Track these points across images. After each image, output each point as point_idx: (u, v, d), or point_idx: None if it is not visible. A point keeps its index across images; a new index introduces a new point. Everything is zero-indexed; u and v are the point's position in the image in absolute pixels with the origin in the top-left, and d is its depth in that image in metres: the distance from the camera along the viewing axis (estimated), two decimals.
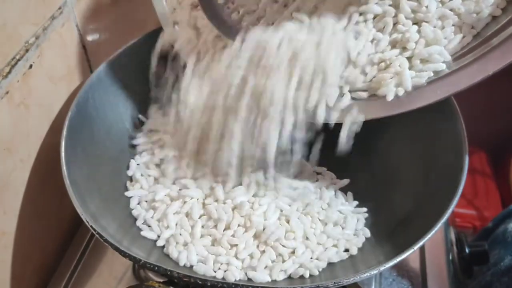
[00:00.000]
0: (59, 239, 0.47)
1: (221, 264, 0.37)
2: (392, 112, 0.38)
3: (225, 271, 0.37)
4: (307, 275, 0.37)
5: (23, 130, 0.39)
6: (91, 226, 0.34)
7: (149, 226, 0.40)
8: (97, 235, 0.34)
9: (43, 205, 0.43)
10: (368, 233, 0.40)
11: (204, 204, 0.41)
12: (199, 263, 0.37)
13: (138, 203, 0.42)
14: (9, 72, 0.36)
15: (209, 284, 0.33)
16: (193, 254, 0.37)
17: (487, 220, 0.77)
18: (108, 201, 0.41)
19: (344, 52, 0.38)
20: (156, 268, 0.32)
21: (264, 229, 0.38)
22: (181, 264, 0.37)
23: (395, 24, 0.38)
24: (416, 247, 0.33)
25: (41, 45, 0.39)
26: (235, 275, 0.36)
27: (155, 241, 0.39)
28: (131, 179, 0.44)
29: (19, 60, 0.37)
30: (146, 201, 0.42)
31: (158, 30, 0.50)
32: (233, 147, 0.39)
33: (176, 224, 0.39)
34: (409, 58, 0.38)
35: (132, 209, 0.41)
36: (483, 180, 0.84)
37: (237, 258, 0.37)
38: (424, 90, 0.37)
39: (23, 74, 0.37)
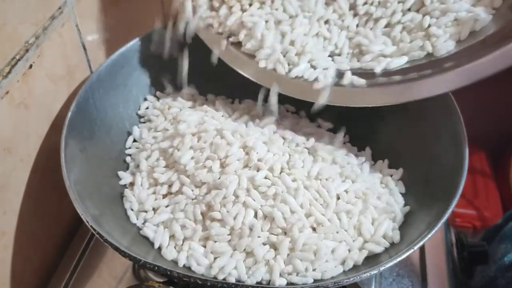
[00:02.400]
0: (59, 239, 0.47)
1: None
2: (396, 100, 0.39)
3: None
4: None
5: (23, 130, 0.39)
6: (91, 226, 0.34)
7: (148, 226, 0.40)
8: (97, 235, 0.34)
9: (43, 205, 0.43)
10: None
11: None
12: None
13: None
14: (9, 72, 0.36)
15: (209, 284, 0.33)
16: (192, 255, 0.37)
17: (487, 220, 0.77)
18: (108, 201, 0.41)
19: None
20: (156, 268, 0.32)
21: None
22: (180, 264, 0.37)
23: None
24: (416, 247, 0.33)
25: (41, 45, 0.39)
26: (235, 275, 0.36)
27: None
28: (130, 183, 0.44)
29: (19, 60, 0.37)
30: (141, 203, 0.42)
31: (158, 30, 0.50)
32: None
33: (175, 222, 0.39)
34: None
35: (131, 210, 0.42)
36: (483, 180, 0.84)
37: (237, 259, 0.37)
38: (425, 82, 0.38)
39: (23, 74, 0.37)
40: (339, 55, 0.44)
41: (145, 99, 0.50)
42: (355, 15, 0.44)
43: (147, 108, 0.50)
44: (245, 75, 0.45)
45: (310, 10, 0.44)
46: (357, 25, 0.44)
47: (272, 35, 0.43)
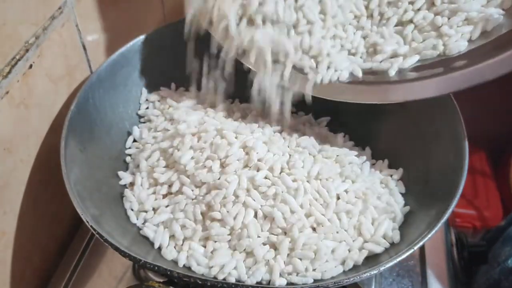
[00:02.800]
0: (59, 239, 0.47)
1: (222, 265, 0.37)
2: (394, 99, 0.40)
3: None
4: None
5: (23, 130, 0.39)
6: (91, 226, 0.34)
7: (148, 226, 0.40)
8: (97, 235, 0.34)
9: (43, 205, 0.43)
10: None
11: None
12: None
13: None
14: (9, 72, 0.36)
15: (209, 284, 0.33)
16: (192, 255, 0.37)
17: (487, 220, 0.77)
18: (108, 201, 0.41)
19: None
20: (156, 268, 0.32)
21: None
22: (180, 264, 0.37)
23: None
24: (416, 247, 0.33)
25: (41, 45, 0.39)
26: (235, 275, 0.36)
27: None
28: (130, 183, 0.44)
29: (19, 60, 0.37)
30: (141, 203, 0.42)
31: (158, 30, 0.50)
32: None
33: (175, 222, 0.39)
34: None
35: (131, 210, 0.41)
36: (483, 180, 0.84)
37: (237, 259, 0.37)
38: (427, 83, 0.38)
39: (23, 74, 0.37)
40: (354, 54, 0.44)
41: (146, 100, 0.50)
42: (368, 16, 0.44)
43: (147, 108, 0.50)
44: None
45: (331, 14, 0.43)
46: (371, 25, 0.44)
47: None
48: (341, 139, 0.47)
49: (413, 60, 0.41)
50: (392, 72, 0.41)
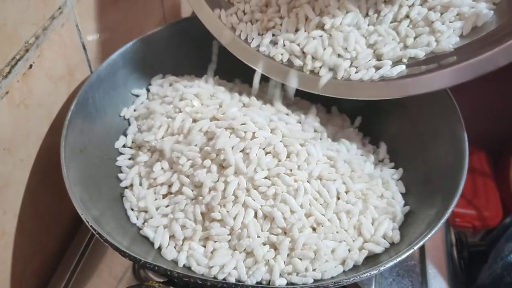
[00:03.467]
0: (59, 239, 0.47)
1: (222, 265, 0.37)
2: (392, 95, 0.39)
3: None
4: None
5: (23, 130, 0.39)
6: (91, 226, 0.34)
7: (148, 226, 0.40)
8: (97, 235, 0.34)
9: (43, 205, 0.43)
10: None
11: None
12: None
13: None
14: (9, 72, 0.36)
15: (209, 284, 0.33)
16: (192, 255, 0.37)
17: (487, 220, 0.77)
18: (108, 201, 0.41)
19: None
20: (156, 268, 0.32)
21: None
22: (180, 264, 0.37)
23: None
24: (416, 247, 0.33)
25: (41, 45, 0.39)
26: (235, 275, 0.36)
27: None
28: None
29: (19, 60, 0.37)
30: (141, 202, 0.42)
31: (158, 30, 0.50)
32: None
33: (175, 222, 0.39)
34: None
35: (131, 209, 0.41)
36: (483, 180, 0.84)
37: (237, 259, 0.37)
38: (424, 78, 0.38)
39: (23, 74, 0.37)
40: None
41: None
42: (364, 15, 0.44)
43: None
44: (254, 67, 0.44)
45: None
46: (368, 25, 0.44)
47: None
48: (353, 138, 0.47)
49: (402, 67, 0.41)
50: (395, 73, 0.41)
